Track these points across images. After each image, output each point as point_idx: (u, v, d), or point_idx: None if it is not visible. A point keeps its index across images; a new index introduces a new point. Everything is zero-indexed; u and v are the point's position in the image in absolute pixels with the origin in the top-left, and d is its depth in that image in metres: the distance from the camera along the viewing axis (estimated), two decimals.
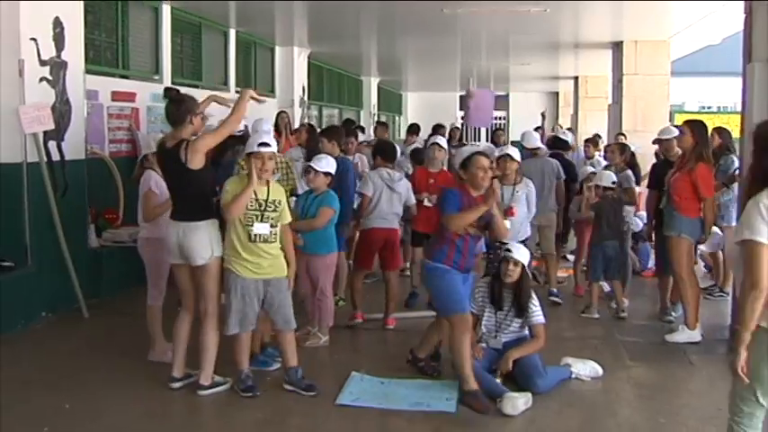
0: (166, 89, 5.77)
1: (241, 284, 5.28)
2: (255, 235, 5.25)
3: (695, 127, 6.82)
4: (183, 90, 8.72)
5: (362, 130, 14.91)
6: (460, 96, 30.06)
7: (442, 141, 8.18)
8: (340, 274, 7.98)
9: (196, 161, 5.16)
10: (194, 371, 5.47)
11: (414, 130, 13.27)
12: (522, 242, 6.56)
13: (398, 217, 7.37)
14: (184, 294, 5.52)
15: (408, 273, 8.37)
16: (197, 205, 5.28)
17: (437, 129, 13.26)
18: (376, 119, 22.42)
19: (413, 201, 7.38)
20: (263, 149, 5.23)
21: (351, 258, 7.96)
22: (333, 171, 6.50)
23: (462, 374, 5.22)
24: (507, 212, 6.43)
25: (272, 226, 5.31)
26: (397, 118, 29.25)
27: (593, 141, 11.93)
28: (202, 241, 5.24)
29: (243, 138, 8.22)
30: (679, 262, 6.74)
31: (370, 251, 7.26)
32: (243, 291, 5.28)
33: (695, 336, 6.66)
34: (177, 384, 5.46)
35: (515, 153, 7.14)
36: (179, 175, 5.23)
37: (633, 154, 8.68)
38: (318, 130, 9.94)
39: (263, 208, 5.28)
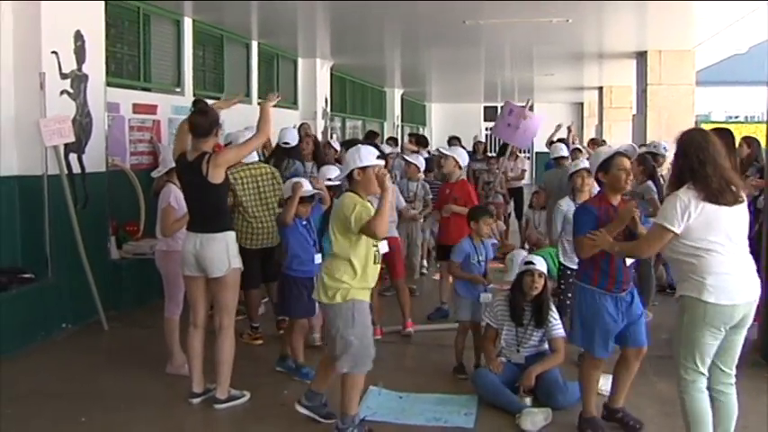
0: (196, 101, 5.78)
1: (366, 313, 4.79)
2: (377, 254, 4.82)
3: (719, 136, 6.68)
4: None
5: (395, 141, 14.85)
6: (486, 108, 30.16)
7: (457, 154, 8.08)
8: None
9: (217, 175, 5.15)
10: (213, 384, 5.43)
11: (422, 142, 12.97)
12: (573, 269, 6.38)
13: (395, 224, 7.47)
14: (194, 308, 5.48)
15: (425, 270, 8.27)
16: (215, 218, 5.26)
17: (451, 141, 13.22)
18: (399, 130, 22.42)
19: (402, 204, 8.00)
20: (380, 162, 4.85)
21: None
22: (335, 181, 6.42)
23: (584, 401, 5.06)
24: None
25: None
26: (421, 129, 29.21)
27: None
28: (220, 253, 5.21)
29: (293, 150, 8.32)
30: None
31: None
32: (367, 322, 4.81)
33: None
34: (197, 400, 5.43)
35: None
36: (199, 187, 5.20)
37: (654, 166, 8.49)
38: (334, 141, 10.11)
39: None
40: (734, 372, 4.35)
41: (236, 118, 9.83)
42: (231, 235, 5.32)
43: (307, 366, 5.95)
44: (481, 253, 6.28)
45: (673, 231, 4.12)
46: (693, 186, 4.13)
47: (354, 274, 4.64)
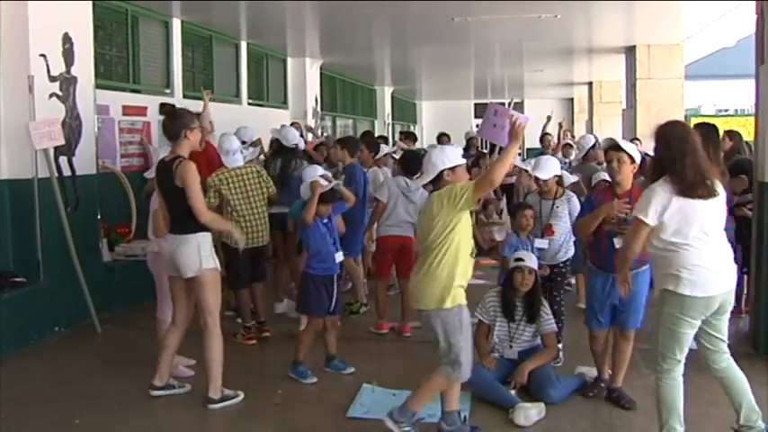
0: (161, 105, 5.78)
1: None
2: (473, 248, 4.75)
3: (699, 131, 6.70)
4: (195, 103, 8.86)
5: (386, 141, 14.81)
6: (476, 105, 30.13)
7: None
8: (356, 281, 8.02)
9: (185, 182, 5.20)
10: (176, 381, 5.59)
11: (411, 138, 12.87)
12: (565, 263, 6.42)
13: (413, 226, 7.29)
14: (175, 307, 5.55)
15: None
16: (187, 219, 5.27)
17: (441, 137, 13.19)
18: (390, 128, 22.41)
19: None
20: (464, 160, 4.84)
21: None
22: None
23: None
24: (546, 231, 6.31)
25: None
26: (411, 127, 29.23)
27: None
28: (191, 254, 5.25)
29: (297, 151, 8.26)
30: None
31: (386, 258, 7.31)
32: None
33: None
34: (157, 393, 5.50)
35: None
36: (171, 190, 5.26)
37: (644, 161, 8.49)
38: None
39: None
40: (725, 346, 4.55)
41: (225, 117, 9.84)
42: (204, 236, 5.32)
43: (303, 366, 5.95)
44: (526, 247, 6.15)
45: (646, 224, 4.24)
46: (669, 179, 4.22)
47: (456, 271, 4.54)
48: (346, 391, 5.63)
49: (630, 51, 14.85)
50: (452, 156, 4.71)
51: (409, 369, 6.12)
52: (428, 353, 6.37)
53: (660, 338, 4.40)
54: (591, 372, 5.75)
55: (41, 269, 7.22)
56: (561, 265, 6.37)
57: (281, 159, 8.08)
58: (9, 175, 7.15)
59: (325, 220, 6.07)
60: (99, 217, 8.05)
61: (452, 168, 4.65)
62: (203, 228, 5.31)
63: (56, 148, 7.36)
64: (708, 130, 6.68)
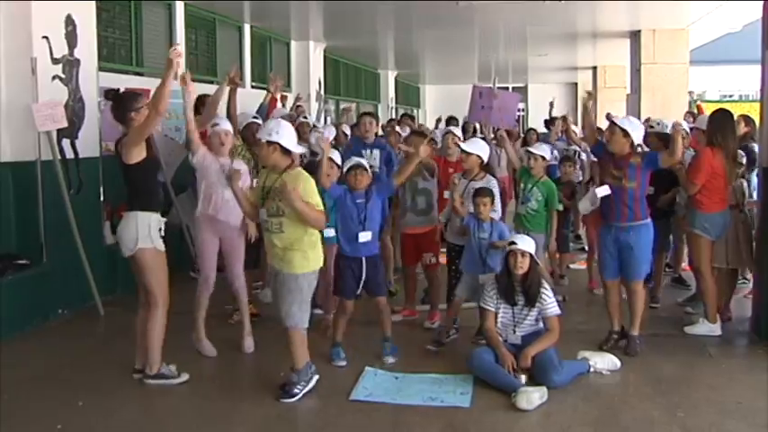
0: (106, 91, 5.74)
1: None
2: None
3: (711, 119, 6.68)
4: (199, 87, 8.81)
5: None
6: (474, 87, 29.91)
7: (456, 130, 8.04)
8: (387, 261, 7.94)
9: (130, 156, 5.22)
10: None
11: (409, 117, 12.82)
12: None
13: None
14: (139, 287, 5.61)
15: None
16: (131, 197, 5.36)
17: (450, 121, 13.13)
18: (394, 112, 22.36)
19: None
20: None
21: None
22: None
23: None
24: (453, 209, 6.37)
25: (270, 215, 5.18)
26: (415, 111, 29.15)
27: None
28: (129, 232, 5.30)
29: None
30: (697, 257, 6.68)
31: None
32: None
33: (715, 329, 6.56)
34: (137, 376, 5.56)
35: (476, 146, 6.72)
36: (120, 168, 5.35)
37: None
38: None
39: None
40: None
41: None
42: (143, 215, 5.31)
43: (338, 347, 5.97)
44: (484, 230, 6.22)
45: None
46: None
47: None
48: (349, 373, 5.65)
49: (635, 36, 14.79)
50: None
51: (411, 353, 6.13)
52: (430, 336, 6.41)
53: None
54: (593, 356, 5.76)
55: (44, 252, 7.23)
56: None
57: None
58: (12, 157, 7.15)
59: (358, 199, 5.88)
60: (102, 199, 8.04)
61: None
62: (148, 208, 5.33)
63: (59, 131, 7.36)
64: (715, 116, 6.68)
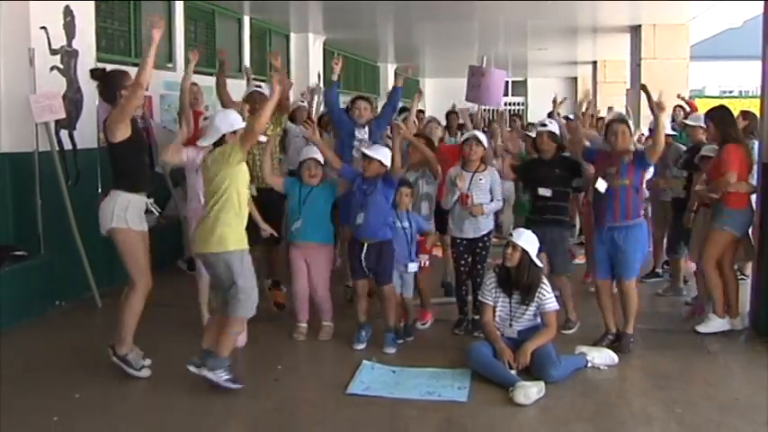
0: (92, 70, 5.70)
1: None
2: None
3: (714, 117, 6.65)
4: (200, 78, 8.79)
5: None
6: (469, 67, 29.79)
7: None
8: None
9: (114, 134, 5.22)
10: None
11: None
12: (486, 235, 6.51)
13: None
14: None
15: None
16: (114, 176, 5.40)
17: (449, 115, 13.09)
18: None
19: None
20: None
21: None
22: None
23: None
24: (462, 200, 6.40)
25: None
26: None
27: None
28: (105, 211, 5.34)
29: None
30: (709, 252, 6.51)
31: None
32: None
33: (730, 324, 6.54)
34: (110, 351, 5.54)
35: (482, 138, 6.66)
36: (107, 149, 5.38)
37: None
38: None
39: None
40: None
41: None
42: (124, 195, 5.31)
43: (363, 329, 6.14)
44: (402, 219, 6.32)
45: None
46: None
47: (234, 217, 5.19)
48: (346, 367, 5.64)
49: (636, 31, 14.75)
50: (235, 121, 5.19)
51: (408, 347, 6.13)
52: (428, 330, 6.41)
53: None
54: (591, 351, 5.76)
55: (42, 243, 7.22)
56: (485, 237, 6.52)
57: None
58: (10, 148, 7.13)
59: (365, 186, 6.07)
60: (100, 191, 8.00)
61: (234, 132, 5.14)
62: (128, 188, 5.32)
63: (57, 122, 7.34)
64: (719, 114, 6.66)
